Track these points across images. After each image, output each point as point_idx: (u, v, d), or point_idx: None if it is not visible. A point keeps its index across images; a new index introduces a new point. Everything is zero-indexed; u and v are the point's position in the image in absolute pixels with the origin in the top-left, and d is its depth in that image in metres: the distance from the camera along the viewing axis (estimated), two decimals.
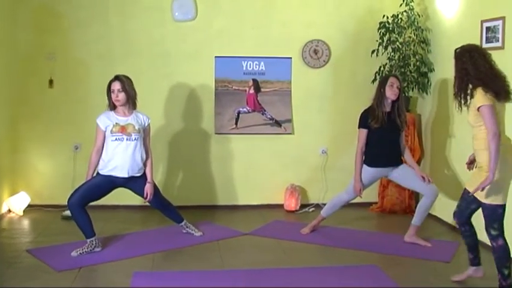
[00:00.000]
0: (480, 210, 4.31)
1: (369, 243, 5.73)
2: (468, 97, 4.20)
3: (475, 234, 4.55)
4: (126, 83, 5.30)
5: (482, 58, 4.21)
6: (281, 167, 7.17)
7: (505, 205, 4.20)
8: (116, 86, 5.27)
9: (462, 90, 4.23)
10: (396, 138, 5.70)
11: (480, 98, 4.10)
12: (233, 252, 5.37)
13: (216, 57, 6.90)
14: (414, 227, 5.70)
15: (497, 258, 4.23)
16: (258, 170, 7.12)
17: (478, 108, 4.10)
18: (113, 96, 5.28)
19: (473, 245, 4.56)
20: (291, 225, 6.36)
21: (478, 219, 4.44)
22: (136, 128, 5.32)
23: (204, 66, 6.90)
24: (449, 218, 6.28)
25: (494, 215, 4.18)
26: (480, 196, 4.21)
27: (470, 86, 4.19)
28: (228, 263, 5.08)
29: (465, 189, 4.43)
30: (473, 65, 4.17)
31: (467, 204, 4.40)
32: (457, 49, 4.33)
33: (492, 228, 4.20)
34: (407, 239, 5.72)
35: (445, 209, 6.37)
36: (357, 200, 6.01)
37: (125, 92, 5.27)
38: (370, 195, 6.89)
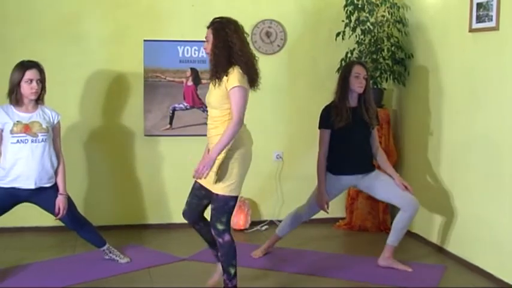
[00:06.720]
0: None
1: (336, 268, 5.72)
2: (223, 74, 4.53)
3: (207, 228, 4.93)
4: (44, 72, 5.22)
5: (245, 37, 4.62)
6: None
7: (237, 198, 4.65)
8: (36, 75, 5.14)
9: (223, 65, 4.50)
10: (365, 138, 5.71)
11: (238, 77, 4.45)
12: (168, 283, 5.31)
13: (145, 41, 6.78)
14: (390, 248, 5.70)
15: (224, 254, 4.67)
16: None
17: (232, 88, 4.44)
18: (28, 87, 5.11)
19: (214, 239, 4.86)
20: (239, 248, 6.04)
21: None
22: (44, 126, 5.19)
23: (131, 52, 6.77)
24: (433, 237, 6.37)
25: (226, 207, 4.60)
26: (215, 188, 4.57)
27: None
28: None
29: (196, 182, 4.81)
30: (239, 40, 4.53)
31: (200, 200, 4.82)
32: (216, 19, 4.67)
33: (220, 223, 4.61)
34: (383, 263, 5.72)
35: (428, 225, 6.44)
36: (320, 215, 5.97)
37: (42, 84, 5.20)
38: (336, 209, 6.90)
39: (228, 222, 4.63)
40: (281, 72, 7.13)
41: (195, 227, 4.97)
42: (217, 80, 4.51)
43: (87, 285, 5.19)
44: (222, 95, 4.49)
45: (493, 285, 5.30)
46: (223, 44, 4.49)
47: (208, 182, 4.60)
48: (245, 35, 4.60)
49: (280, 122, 7.19)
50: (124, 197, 6.92)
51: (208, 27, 4.62)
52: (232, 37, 4.49)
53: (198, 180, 4.73)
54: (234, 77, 4.43)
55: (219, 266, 4.92)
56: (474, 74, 5.65)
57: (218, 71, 4.50)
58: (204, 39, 4.62)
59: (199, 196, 4.80)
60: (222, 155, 4.48)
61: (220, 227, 4.59)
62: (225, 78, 4.47)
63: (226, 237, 4.61)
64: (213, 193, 4.59)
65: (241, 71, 4.46)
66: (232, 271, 4.65)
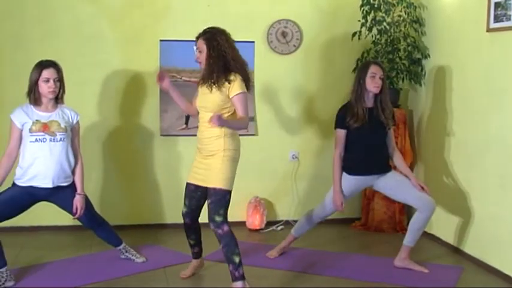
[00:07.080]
0: None
1: (351, 269, 5.71)
2: (224, 81, 4.83)
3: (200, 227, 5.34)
4: (61, 71, 5.23)
5: (235, 45, 4.91)
6: (242, 176, 6.79)
7: (231, 193, 4.85)
8: (53, 74, 5.14)
9: (220, 73, 4.79)
10: (381, 139, 5.67)
11: (240, 84, 4.81)
12: (184, 282, 5.31)
13: (161, 40, 6.80)
14: (407, 249, 5.68)
15: (226, 245, 4.75)
16: None
17: (237, 94, 4.78)
18: (45, 86, 5.11)
19: (200, 239, 5.36)
20: (254, 247, 6.30)
21: None
22: (62, 125, 5.18)
23: (147, 52, 6.78)
24: (450, 237, 6.32)
25: (224, 200, 4.79)
26: (212, 182, 4.80)
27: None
28: None
29: (189, 185, 5.09)
30: (230, 49, 4.84)
31: (198, 201, 5.10)
32: (206, 29, 4.93)
33: (218, 215, 4.75)
34: (399, 263, 5.71)
35: (445, 225, 6.40)
36: (336, 215, 5.98)
37: (60, 83, 5.20)
38: (352, 209, 6.93)
39: (225, 215, 4.76)
40: (297, 72, 7.09)
41: (191, 226, 5.24)
42: (214, 85, 4.77)
43: (103, 284, 5.18)
44: (222, 100, 4.79)
45: (510, 287, 5.27)
46: (217, 53, 4.76)
47: (203, 181, 4.88)
48: (234, 42, 4.89)
49: (296, 122, 7.16)
50: (140, 196, 6.92)
51: (198, 38, 4.89)
52: (224, 46, 4.77)
53: (193, 182, 5.02)
54: (237, 84, 4.76)
55: (196, 262, 5.42)
56: (491, 74, 5.61)
57: (214, 78, 4.77)
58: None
59: (196, 197, 5.06)
60: (224, 149, 4.81)
61: (218, 218, 4.72)
62: (227, 85, 4.76)
63: (225, 227, 4.72)
64: (210, 189, 4.80)
65: (241, 78, 4.79)
66: (236, 260, 4.72)
